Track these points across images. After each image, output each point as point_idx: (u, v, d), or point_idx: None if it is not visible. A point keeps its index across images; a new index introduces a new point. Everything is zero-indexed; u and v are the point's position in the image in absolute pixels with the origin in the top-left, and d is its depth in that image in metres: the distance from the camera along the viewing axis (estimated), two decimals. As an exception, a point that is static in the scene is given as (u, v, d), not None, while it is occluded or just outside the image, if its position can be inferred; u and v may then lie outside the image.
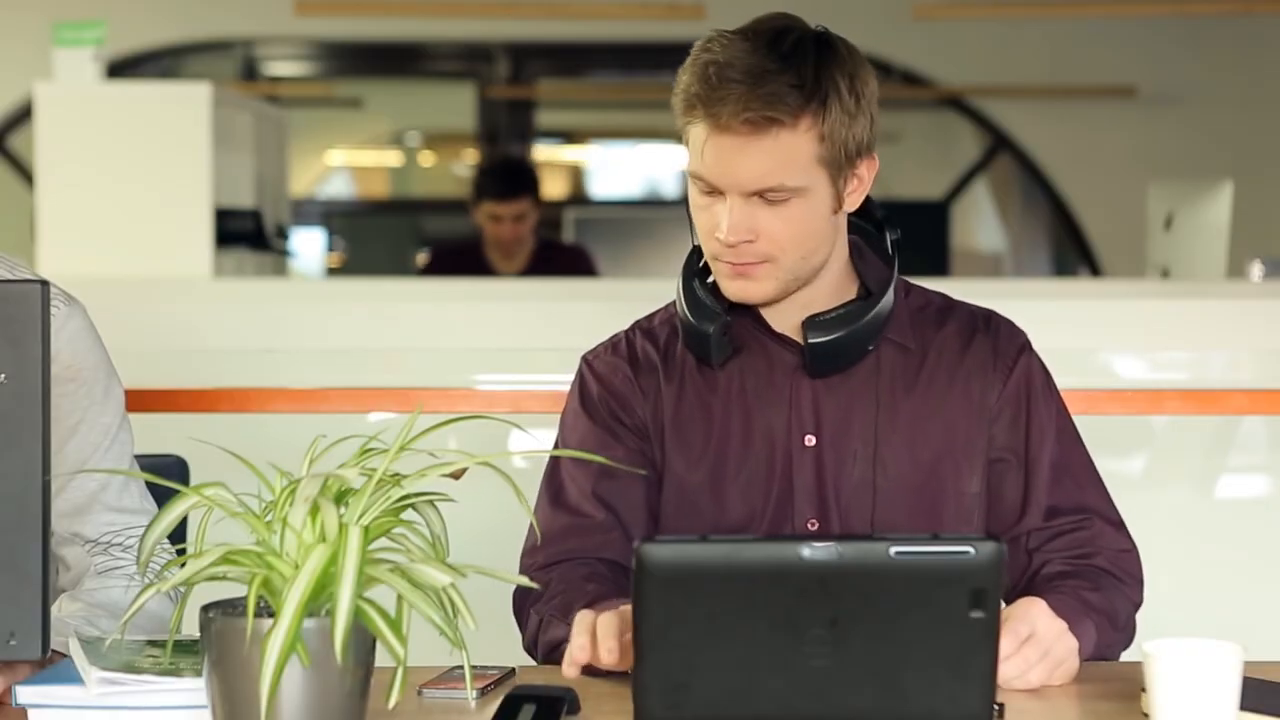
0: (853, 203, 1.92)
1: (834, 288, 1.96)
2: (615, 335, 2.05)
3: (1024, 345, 1.99)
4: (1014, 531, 1.94)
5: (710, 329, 1.93)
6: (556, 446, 2.04)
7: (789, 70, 1.83)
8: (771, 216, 1.86)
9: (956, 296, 2.04)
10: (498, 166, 5.73)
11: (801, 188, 1.85)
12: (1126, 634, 1.90)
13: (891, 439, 1.93)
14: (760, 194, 1.85)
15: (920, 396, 1.95)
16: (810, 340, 1.91)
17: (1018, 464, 1.95)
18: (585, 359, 2.04)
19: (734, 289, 1.92)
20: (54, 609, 1.74)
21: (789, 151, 1.84)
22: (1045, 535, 1.94)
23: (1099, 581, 1.88)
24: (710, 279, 1.96)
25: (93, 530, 1.86)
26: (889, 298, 1.94)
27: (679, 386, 1.98)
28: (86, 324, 1.90)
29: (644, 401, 1.98)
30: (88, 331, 1.90)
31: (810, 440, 1.93)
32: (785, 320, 1.95)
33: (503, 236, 5.10)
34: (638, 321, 2.05)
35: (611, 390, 1.99)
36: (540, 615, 1.88)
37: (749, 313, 1.95)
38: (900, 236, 1.98)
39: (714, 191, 1.87)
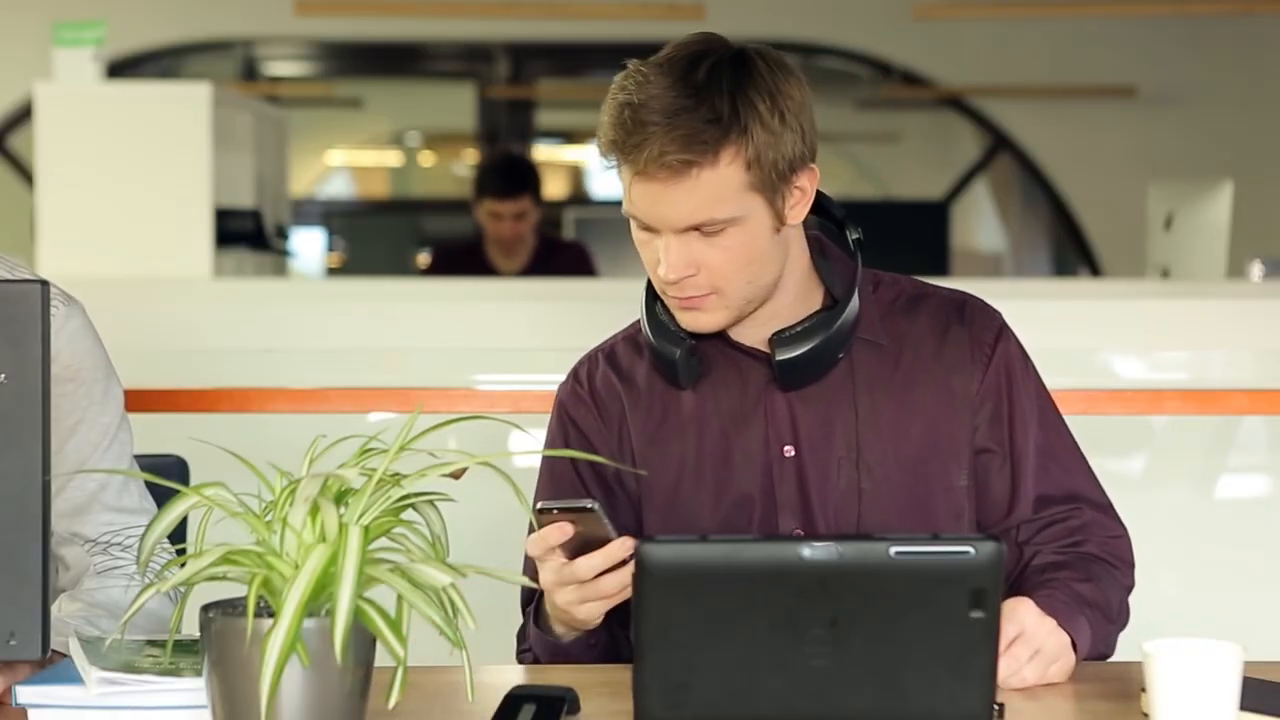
0: (796, 216, 1.88)
1: (797, 297, 1.93)
2: (579, 362, 2.03)
3: (1000, 329, 1.96)
4: (1004, 524, 1.93)
5: (676, 353, 1.91)
6: (540, 474, 2.02)
7: (703, 104, 1.78)
8: (708, 248, 1.83)
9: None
10: (499, 164, 5.72)
11: (735, 217, 1.82)
12: (1120, 623, 1.90)
13: (874, 442, 1.92)
14: (695, 228, 1.83)
15: (899, 395, 1.93)
16: (779, 358, 1.89)
17: (1003, 455, 1.94)
18: (560, 400, 2.02)
19: (686, 320, 1.90)
20: (54, 609, 1.74)
21: (713, 188, 1.80)
22: (1035, 526, 1.93)
23: (1090, 570, 1.88)
24: None
25: (92, 530, 1.86)
26: (854, 302, 1.91)
27: (647, 411, 1.96)
28: (86, 324, 1.90)
29: (610, 438, 1.97)
30: (87, 331, 1.90)
31: (789, 451, 1.92)
32: (752, 335, 1.93)
33: (503, 234, 5.10)
34: (601, 345, 2.03)
35: (582, 432, 1.99)
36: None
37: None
38: (861, 235, 1.95)
39: (651, 228, 1.85)
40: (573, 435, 1.99)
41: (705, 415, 1.94)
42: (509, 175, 5.19)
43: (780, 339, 1.90)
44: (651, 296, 1.95)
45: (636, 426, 1.96)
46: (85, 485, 1.87)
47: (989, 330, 1.96)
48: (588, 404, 1.99)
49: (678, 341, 1.91)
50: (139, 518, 1.88)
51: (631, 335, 2.02)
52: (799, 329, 1.90)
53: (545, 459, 2.02)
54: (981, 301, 1.99)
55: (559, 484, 1.97)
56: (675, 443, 1.94)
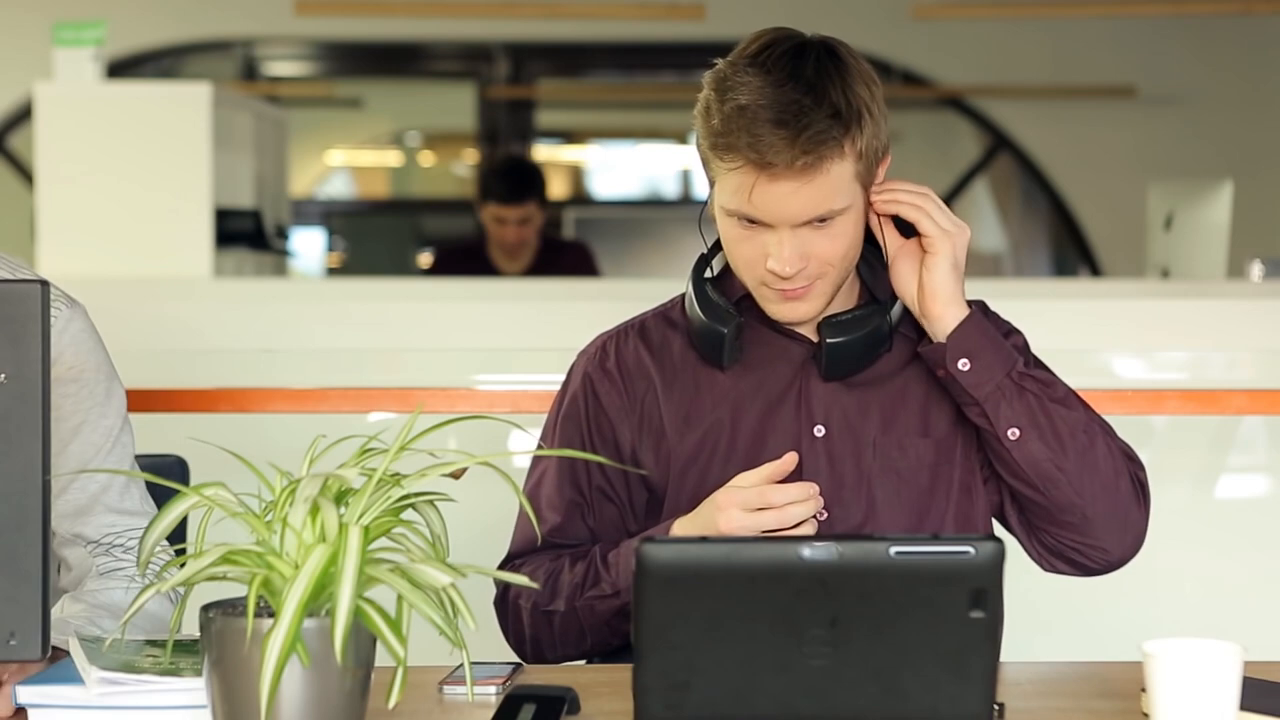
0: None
1: (846, 287, 1.96)
2: (608, 334, 2.04)
3: (1007, 331, 1.99)
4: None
5: (725, 330, 1.93)
6: (539, 445, 2.03)
7: (823, 101, 1.82)
8: (820, 238, 1.86)
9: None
10: (504, 169, 5.66)
11: (846, 207, 1.86)
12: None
13: (899, 434, 1.94)
14: (810, 221, 1.86)
15: (924, 390, 1.95)
16: (829, 340, 1.91)
17: None
18: (584, 369, 2.02)
19: (784, 312, 1.92)
20: (56, 610, 1.74)
21: (838, 180, 1.84)
22: None
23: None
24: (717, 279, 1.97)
25: (94, 531, 1.86)
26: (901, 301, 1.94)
27: (679, 387, 1.97)
28: (88, 326, 1.90)
29: (631, 415, 1.98)
30: (89, 333, 1.90)
31: (820, 431, 1.94)
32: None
33: (508, 240, 5.07)
34: (630, 321, 2.04)
35: (601, 405, 1.99)
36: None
37: (757, 311, 1.95)
38: None
39: (758, 224, 1.87)
40: (592, 408, 1.99)
41: (741, 394, 1.96)
42: (514, 181, 5.13)
43: (830, 323, 1.92)
44: (699, 276, 1.97)
45: (667, 404, 1.97)
46: (87, 487, 1.87)
47: (998, 330, 1.97)
48: (614, 376, 1.99)
49: (726, 320, 1.93)
50: (140, 519, 1.88)
51: (664, 312, 2.03)
52: (848, 316, 1.93)
53: (559, 425, 2.01)
54: (994, 312, 2.02)
55: (568, 464, 1.97)
56: (710, 422, 1.96)
